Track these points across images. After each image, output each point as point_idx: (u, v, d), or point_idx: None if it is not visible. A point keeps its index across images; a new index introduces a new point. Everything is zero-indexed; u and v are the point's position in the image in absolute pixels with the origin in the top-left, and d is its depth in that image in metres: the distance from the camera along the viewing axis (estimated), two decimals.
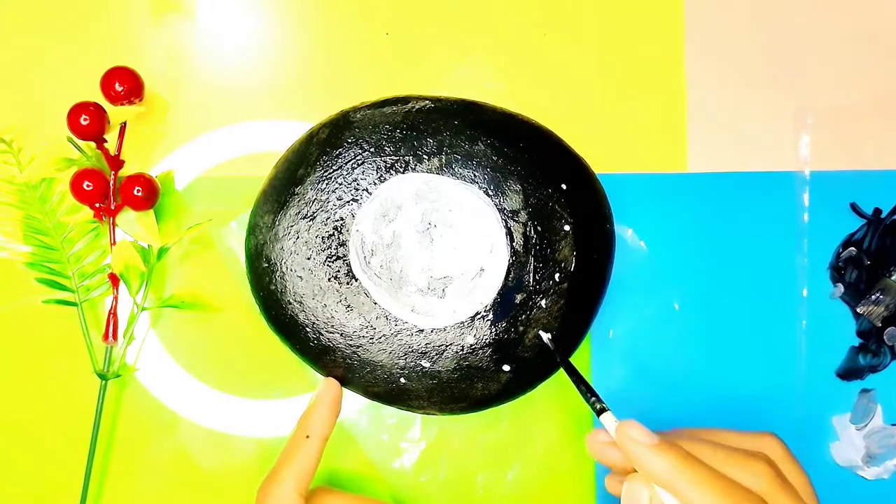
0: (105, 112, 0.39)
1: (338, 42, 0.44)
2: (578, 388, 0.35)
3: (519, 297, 0.38)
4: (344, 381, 0.39)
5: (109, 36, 0.43)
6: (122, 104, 0.40)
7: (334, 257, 0.38)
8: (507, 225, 0.38)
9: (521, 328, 0.38)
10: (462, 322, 0.38)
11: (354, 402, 0.43)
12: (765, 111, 0.45)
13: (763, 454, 0.34)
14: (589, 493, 0.44)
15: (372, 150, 0.38)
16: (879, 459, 0.45)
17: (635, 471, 0.32)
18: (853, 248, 0.45)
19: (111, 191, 0.40)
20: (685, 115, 0.45)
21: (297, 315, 0.38)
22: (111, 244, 0.41)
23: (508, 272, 0.38)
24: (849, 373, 0.45)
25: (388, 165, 0.38)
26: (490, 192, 0.38)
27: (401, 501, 0.44)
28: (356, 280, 0.38)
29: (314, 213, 0.38)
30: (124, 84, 0.40)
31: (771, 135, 0.45)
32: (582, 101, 0.44)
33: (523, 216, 0.38)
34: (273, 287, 0.38)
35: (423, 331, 0.38)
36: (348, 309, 0.38)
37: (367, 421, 0.44)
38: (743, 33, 0.45)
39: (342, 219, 0.38)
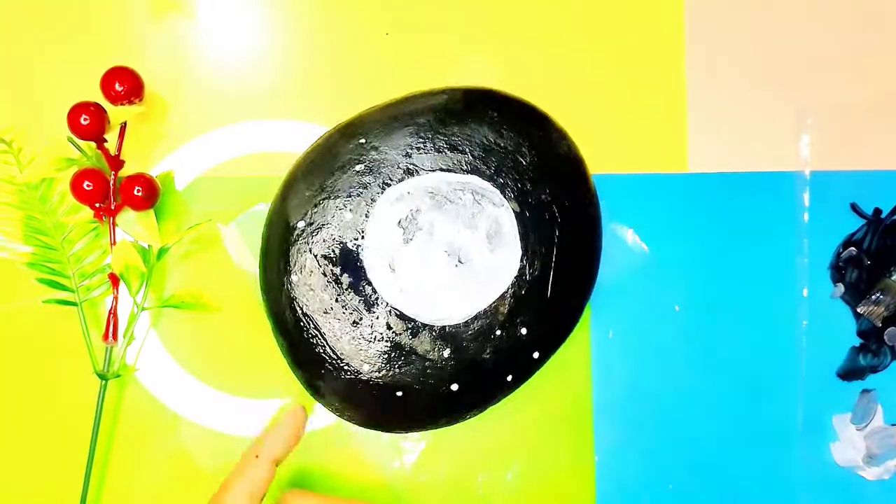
0: (105, 112, 0.39)
1: (338, 42, 0.44)
2: None
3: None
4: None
5: (109, 36, 0.43)
6: (122, 104, 0.40)
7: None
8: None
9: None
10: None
11: None
12: (765, 111, 0.45)
13: None
14: (589, 493, 0.44)
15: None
16: (880, 459, 0.45)
17: None
18: (853, 248, 0.45)
19: (111, 191, 0.40)
20: (685, 115, 0.45)
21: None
22: (111, 244, 0.41)
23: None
24: (849, 373, 0.45)
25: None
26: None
27: (401, 501, 0.44)
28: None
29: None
30: (124, 84, 0.40)
31: (771, 135, 0.45)
32: (582, 101, 0.44)
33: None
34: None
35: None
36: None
37: None
38: (743, 33, 0.45)
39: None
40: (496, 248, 0.38)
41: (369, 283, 0.38)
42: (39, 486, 0.43)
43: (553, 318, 0.39)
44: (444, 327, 0.38)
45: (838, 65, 0.45)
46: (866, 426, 0.45)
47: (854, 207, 0.45)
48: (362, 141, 0.39)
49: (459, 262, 0.38)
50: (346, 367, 0.38)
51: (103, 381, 0.41)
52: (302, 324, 0.38)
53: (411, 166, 0.38)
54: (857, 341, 0.45)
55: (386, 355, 0.38)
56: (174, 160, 0.43)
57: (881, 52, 0.45)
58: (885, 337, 0.45)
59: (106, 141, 0.40)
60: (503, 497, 0.44)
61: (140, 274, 0.41)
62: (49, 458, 0.43)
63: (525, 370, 0.40)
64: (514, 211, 0.38)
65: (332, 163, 0.39)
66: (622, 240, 0.44)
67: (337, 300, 0.38)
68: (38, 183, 0.42)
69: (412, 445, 0.44)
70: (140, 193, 0.40)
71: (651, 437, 0.44)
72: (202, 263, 0.43)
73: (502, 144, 0.39)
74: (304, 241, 0.38)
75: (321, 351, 0.38)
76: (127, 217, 0.41)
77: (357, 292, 0.38)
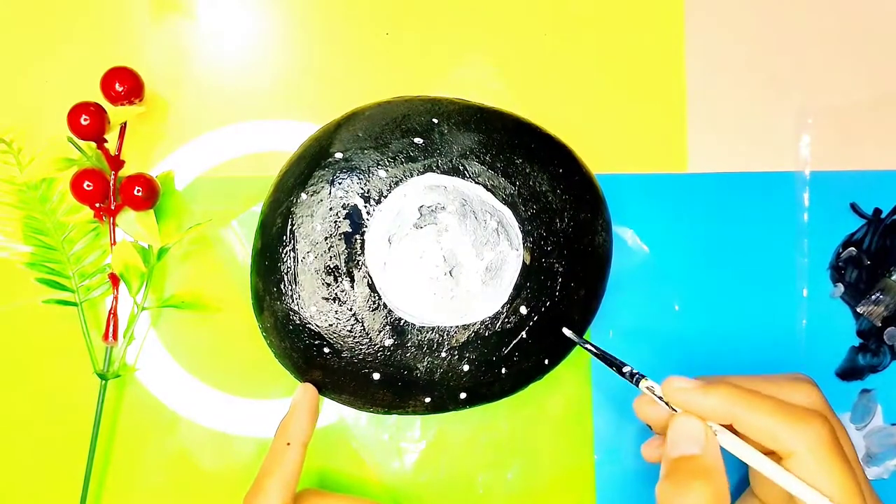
0: (105, 112, 0.39)
1: (338, 42, 0.44)
2: (611, 367, 0.36)
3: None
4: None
5: (109, 36, 0.43)
6: (122, 104, 0.40)
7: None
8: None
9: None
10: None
11: None
12: (765, 111, 0.45)
13: (805, 376, 0.36)
14: (589, 493, 0.44)
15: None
16: (879, 459, 0.45)
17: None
18: (853, 248, 0.45)
19: (111, 191, 0.40)
20: (685, 115, 0.45)
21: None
22: (111, 244, 0.41)
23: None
24: (849, 373, 0.45)
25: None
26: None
27: (401, 501, 0.44)
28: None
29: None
30: (124, 84, 0.40)
31: (771, 135, 0.45)
32: (582, 101, 0.44)
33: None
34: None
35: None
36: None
37: (366, 421, 0.44)
38: (743, 33, 0.45)
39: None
40: (488, 283, 0.38)
41: (362, 243, 0.38)
42: (39, 486, 0.43)
43: (496, 372, 0.39)
44: (401, 319, 0.38)
45: (838, 65, 0.45)
46: (866, 426, 0.45)
47: (854, 207, 0.45)
48: (435, 121, 0.39)
49: (449, 274, 0.38)
50: (295, 298, 0.38)
51: (103, 381, 0.41)
52: (284, 238, 0.38)
53: (461, 167, 0.38)
54: (857, 341, 0.45)
55: (336, 312, 0.38)
56: (174, 160, 0.43)
57: (881, 52, 0.45)
58: (884, 337, 0.45)
59: (106, 141, 0.40)
60: (503, 497, 0.44)
61: (140, 274, 0.41)
62: (49, 458, 0.43)
63: (446, 402, 0.39)
64: (523, 261, 0.38)
65: (398, 123, 0.38)
66: (622, 240, 0.44)
67: (326, 240, 0.37)
68: (38, 183, 0.42)
69: (412, 446, 0.44)
70: (140, 193, 0.40)
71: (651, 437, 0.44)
72: (202, 263, 0.43)
73: (550, 199, 0.39)
74: (331, 170, 0.38)
75: (285, 272, 0.38)
76: (127, 217, 0.41)
77: (347, 243, 0.37)
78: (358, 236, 0.38)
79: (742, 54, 0.45)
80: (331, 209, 0.38)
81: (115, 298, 0.41)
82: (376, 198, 0.38)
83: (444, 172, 0.38)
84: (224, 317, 0.43)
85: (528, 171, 0.39)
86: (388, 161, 0.38)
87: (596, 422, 0.44)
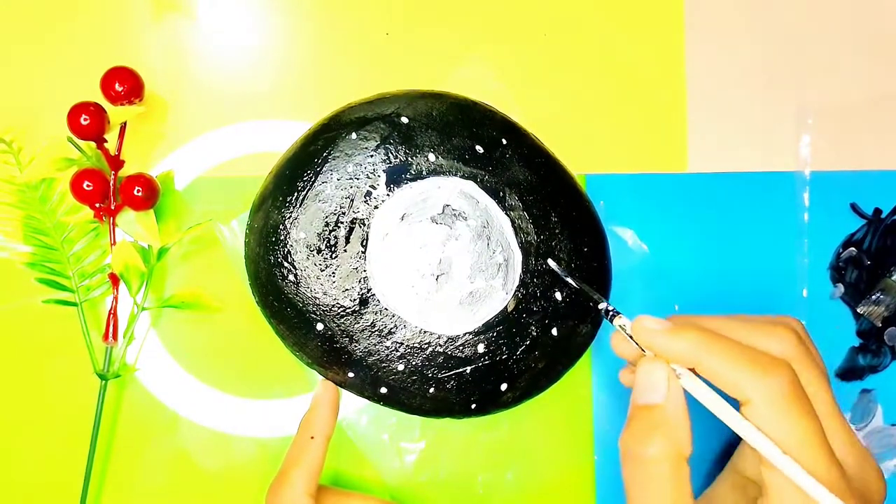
0: (105, 112, 0.39)
1: (338, 42, 0.44)
2: (588, 301, 0.36)
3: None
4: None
5: (109, 36, 0.43)
6: (122, 104, 0.40)
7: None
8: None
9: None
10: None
11: (354, 403, 0.43)
12: (765, 111, 0.45)
13: (785, 321, 0.34)
14: (589, 493, 0.44)
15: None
16: (879, 460, 0.45)
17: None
18: (853, 249, 0.45)
19: (111, 191, 0.40)
20: (685, 115, 0.45)
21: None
22: (111, 244, 0.41)
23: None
24: (849, 373, 0.45)
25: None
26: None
27: (401, 501, 0.44)
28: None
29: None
30: (124, 84, 0.40)
31: (771, 135, 0.45)
32: (582, 101, 0.44)
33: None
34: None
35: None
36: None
37: (366, 421, 0.44)
38: (743, 33, 0.45)
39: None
40: (464, 306, 0.38)
41: (377, 206, 0.38)
42: (39, 486, 0.43)
43: (424, 388, 0.38)
44: (371, 291, 0.38)
45: (838, 65, 0.45)
46: (866, 426, 0.45)
47: (854, 207, 0.45)
48: (504, 142, 0.39)
49: (436, 278, 0.38)
50: (292, 216, 0.38)
51: (103, 381, 0.41)
52: (315, 160, 0.38)
53: (502, 193, 0.39)
54: (857, 341, 0.45)
55: (319, 251, 0.38)
56: (174, 160, 0.43)
57: (881, 52, 0.45)
58: (884, 337, 0.45)
59: (106, 141, 0.40)
60: (503, 497, 0.44)
61: (140, 274, 0.41)
62: (49, 458, 0.43)
63: (365, 387, 0.39)
64: (506, 306, 0.38)
65: (472, 125, 0.39)
66: (622, 240, 0.44)
67: (349, 185, 0.38)
68: (38, 183, 0.42)
69: (412, 445, 0.44)
70: (140, 193, 0.40)
71: None
72: (202, 263, 0.43)
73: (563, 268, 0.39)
74: (389, 128, 0.38)
75: (298, 189, 0.38)
76: (127, 217, 0.41)
77: (364, 199, 0.38)
78: (377, 198, 0.38)
79: (742, 54, 0.45)
80: (368, 161, 0.38)
81: (115, 298, 0.41)
82: (413, 174, 0.38)
83: (484, 188, 0.38)
84: (224, 317, 0.43)
85: (557, 231, 0.39)
86: (443, 151, 0.38)
87: (596, 422, 0.44)
